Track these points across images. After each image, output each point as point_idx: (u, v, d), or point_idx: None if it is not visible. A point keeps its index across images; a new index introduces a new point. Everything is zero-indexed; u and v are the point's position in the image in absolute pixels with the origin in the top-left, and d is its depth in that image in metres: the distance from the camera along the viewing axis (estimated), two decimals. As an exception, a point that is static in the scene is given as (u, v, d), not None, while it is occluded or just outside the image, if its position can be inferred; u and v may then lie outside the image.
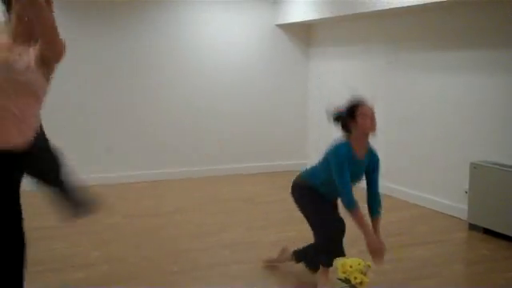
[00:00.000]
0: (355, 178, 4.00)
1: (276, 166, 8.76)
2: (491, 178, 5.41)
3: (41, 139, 3.40)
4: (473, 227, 5.62)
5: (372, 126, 3.84)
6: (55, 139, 7.63)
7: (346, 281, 3.06)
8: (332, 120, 4.12)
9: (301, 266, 4.68)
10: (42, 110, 3.28)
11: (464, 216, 5.82)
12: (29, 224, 5.84)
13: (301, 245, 5.08)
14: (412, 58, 6.76)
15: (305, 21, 8.09)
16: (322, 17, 7.55)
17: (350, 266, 3.06)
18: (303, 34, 8.83)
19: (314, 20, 7.95)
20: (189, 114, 8.26)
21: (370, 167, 4.02)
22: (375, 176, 4.07)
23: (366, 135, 3.90)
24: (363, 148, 3.95)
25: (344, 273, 3.07)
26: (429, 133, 6.54)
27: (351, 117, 3.89)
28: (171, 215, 6.26)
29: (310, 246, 4.30)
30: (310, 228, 4.27)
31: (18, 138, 3.01)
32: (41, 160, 3.49)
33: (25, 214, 6.31)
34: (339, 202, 4.07)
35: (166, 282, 4.34)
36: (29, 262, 4.73)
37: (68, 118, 7.64)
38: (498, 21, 5.62)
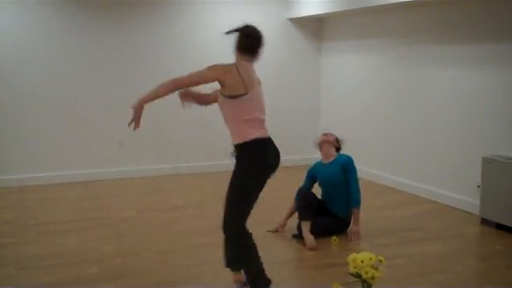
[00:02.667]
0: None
1: (288, 161, 8.73)
2: (504, 172, 5.38)
3: None
4: (485, 222, 5.59)
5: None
6: (65, 133, 7.72)
7: (358, 275, 3.06)
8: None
9: (312, 264, 4.69)
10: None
11: (476, 211, 5.79)
12: (42, 218, 5.94)
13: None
14: (424, 52, 6.73)
15: (316, 15, 8.07)
16: (333, 10, 7.52)
17: (362, 261, 3.05)
18: (315, 28, 8.81)
19: (326, 14, 7.92)
20: (200, 109, 8.24)
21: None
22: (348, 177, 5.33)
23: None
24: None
25: (355, 267, 3.06)
26: (441, 127, 6.51)
27: None
28: (184, 210, 6.28)
29: None
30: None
31: None
32: None
33: (39, 209, 6.41)
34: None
35: (178, 275, 4.36)
36: (42, 255, 4.80)
37: (78, 112, 7.69)
38: (498, 16, 5.57)
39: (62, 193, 7.08)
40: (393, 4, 6.42)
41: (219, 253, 4.86)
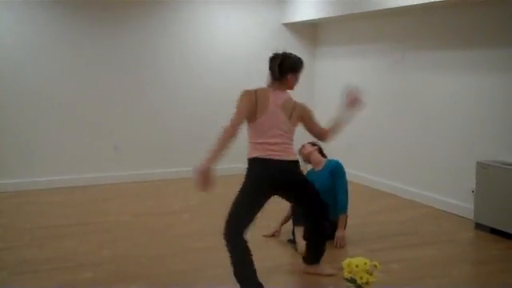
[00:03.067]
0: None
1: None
2: (498, 177, 5.41)
3: None
4: (479, 227, 5.62)
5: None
6: (62, 137, 7.71)
7: (352, 281, 3.07)
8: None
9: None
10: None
11: (471, 216, 5.82)
12: (39, 223, 5.94)
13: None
14: (419, 57, 6.76)
15: (311, 20, 8.09)
16: (328, 16, 7.55)
17: (356, 266, 3.07)
18: (310, 33, 8.84)
19: (321, 19, 7.95)
20: (194, 114, 8.29)
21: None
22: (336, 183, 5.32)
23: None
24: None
25: (350, 272, 3.08)
26: (436, 132, 6.54)
27: None
28: (179, 214, 6.29)
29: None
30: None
31: None
32: None
33: (35, 213, 6.40)
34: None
35: (173, 280, 4.37)
36: (38, 260, 4.80)
37: (76, 116, 7.69)
38: (509, 19, 5.61)
39: (59, 197, 7.08)
40: (387, 9, 6.45)
41: (215, 257, 4.88)
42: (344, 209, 5.20)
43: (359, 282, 3.04)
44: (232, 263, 3.97)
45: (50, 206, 6.68)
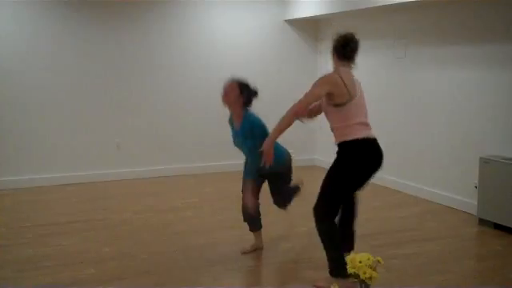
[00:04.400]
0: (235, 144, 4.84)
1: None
2: (501, 172, 5.38)
3: None
4: (483, 222, 5.60)
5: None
6: (63, 135, 7.70)
7: (356, 276, 3.05)
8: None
9: (310, 265, 4.69)
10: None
11: (474, 211, 5.79)
12: (39, 220, 5.93)
13: (311, 239, 5.10)
14: (421, 53, 6.73)
15: (313, 16, 8.06)
16: (330, 12, 7.52)
17: (360, 261, 3.05)
18: (312, 29, 8.81)
19: (323, 15, 7.92)
20: (197, 110, 8.27)
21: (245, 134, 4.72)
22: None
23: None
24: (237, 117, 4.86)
25: (353, 268, 3.06)
26: (439, 127, 6.51)
27: None
28: (180, 211, 6.27)
29: None
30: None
31: None
32: None
33: (35, 211, 6.39)
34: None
35: (174, 277, 4.35)
36: (39, 257, 4.79)
37: (76, 113, 7.68)
38: (509, 15, 5.58)
39: (59, 194, 7.06)
40: (389, 5, 6.42)
41: (217, 254, 4.87)
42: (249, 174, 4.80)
43: (362, 277, 3.01)
44: (328, 248, 4.07)
45: (51, 204, 6.66)
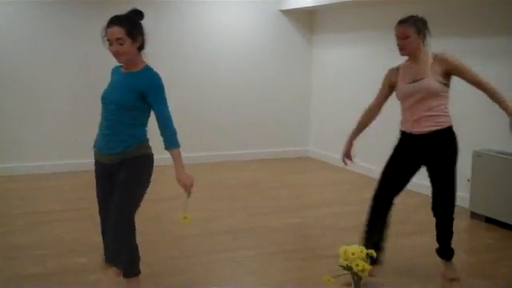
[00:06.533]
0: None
1: (279, 153, 8.75)
2: (494, 166, 5.39)
3: None
4: (475, 216, 5.61)
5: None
6: (55, 122, 7.66)
7: (348, 268, 3.06)
8: None
9: (302, 256, 4.69)
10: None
11: (466, 204, 5.80)
12: (31, 208, 5.90)
13: (304, 231, 5.10)
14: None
15: (308, 6, 8.03)
16: (325, 3, 7.49)
17: (352, 254, 3.05)
18: (307, 19, 8.78)
19: (318, 6, 7.89)
20: (190, 100, 8.24)
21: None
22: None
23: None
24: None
25: (346, 260, 3.07)
26: (432, 121, 6.51)
27: None
28: (173, 201, 6.25)
29: None
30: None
31: None
32: None
33: (28, 199, 6.36)
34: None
35: (166, 267, 4.35)
36: (31, 245, 4.77)
37: (68, 102, 7.64)
38: (502, 9, 5.57)
39: (52, 182, 7.04)
40: (386, -4, 6.41)
41: (209, 244, 4.87)
42: (176, 141, 3.79)
43: (355, 269, 3.02)
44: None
45: (42, 192, 6.64)
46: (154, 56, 8.19)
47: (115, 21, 3.52)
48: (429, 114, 4.05)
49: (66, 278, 4.11)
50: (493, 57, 5.72)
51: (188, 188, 3.71)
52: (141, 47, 3.68)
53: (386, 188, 4.20)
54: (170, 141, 3.69)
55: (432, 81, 3.99)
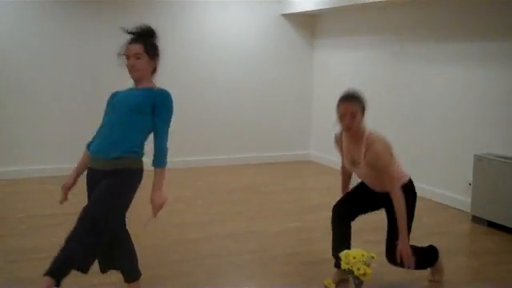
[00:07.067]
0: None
1: (279, 157, 8.76)
2: (495, 170, 5.39)
3: None
4: (476, 220, 5.61)
5: None
6: (56, 126, 7.66)
7: (350, 272, 3.06)
8: None
9: (303, 260, 4.69)
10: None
11: (467, 208, 5.80)
12: (33, 211, 5.90)
13: (304, 235, 5.09)
14: (417, 49, 6.72)
15: (310, 11, 8.04)
16: (327, 7, 7.50)
17: (354, 257, 3.06)
18: (308, 24, 8.79)
19: (320, 10, 7.90)
20: (192, 104, 8.24)
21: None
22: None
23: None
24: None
25: (347, 264, 3.07)
26: (433, 125, 6.51)
27: None
28: (174, 204, 6.25)
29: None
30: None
31: None
32: None
33: (29, 202, 6.35)
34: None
35: (167, 270, 4.35)
36: (32, 248, 4.77)
37: (70, 105, 7.65)
38: (504, 13, 5.58)
39: (52, 186, 6.99)
40: (386, 1, 6.41)
41: (211, 247, 4.87)
42: (164, 161, 3.79)
43: (356, 273, 3.02)
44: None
45: (44, 195, 6.63)
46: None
47: (137, 38, 3.64)
48: (379, 182, 3.94)
49: (68, 282, 4.08)
50: (493, 60, 5.72)
51: (157, 209, 3.64)
52: (154, 70, 3.75)
53: (345, 207, 4.16)
54: (159, 160, 3.70)
55: (368, 168, 3.89)
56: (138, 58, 3.58)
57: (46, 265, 4.32)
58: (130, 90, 3.75)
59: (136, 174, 3.68)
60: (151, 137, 3.74)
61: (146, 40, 3.64)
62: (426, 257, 4.15)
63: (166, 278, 4.21)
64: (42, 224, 5.46)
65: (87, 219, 3.45)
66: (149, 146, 3.69)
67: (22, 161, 7.46)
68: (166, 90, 3.69)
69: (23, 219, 5.60)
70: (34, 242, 4.94)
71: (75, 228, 3.44)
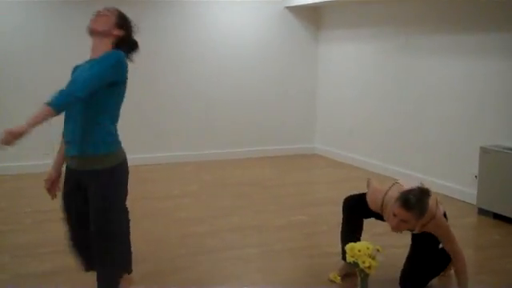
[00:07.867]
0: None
1: (285, 150, 8.74)
2: (501, 162, 5.37)
3: None
4: (482, 212, 5.59)
5: None
6: (61, 122, 7.64)
7: (355, 264, 3.05)
8: None
9: (309, 253, 4.69)
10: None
11: (473, 201, 5.79)
12: (39, 206, 5.91)
13: (309, 228, 5.09)
14: (422, 41, 6.69)
15: (314, 3, 8.01)
16: (331, -1, 7.49)
17: (359, 250, 3.05)
18: (313, 16, 8.76)
19: (324, 2, 7.87)
20: (197, 98, 8.24)
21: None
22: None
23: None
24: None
25: (352, 257, 3.06)
26: (439, 117, 6.49)
27: None
28: (180, 198, 6.26)
29: None
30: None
31: None
32: None
33: (35, 197, 6.36)
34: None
35: (173, 264, 4.35)
36: (39, 243, 4.78)
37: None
38: (510, 4, 5.54)
39: (59, 181, 7.03)
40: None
41: (216, 241, 4.86)
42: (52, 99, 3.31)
43: (362, 266, 3.01)
44: None
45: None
46: (159, 55, 8.29)
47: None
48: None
49: (73, 276, 4.11)
50: (500, 52, 5.69)
51: (7, 135, 2.97)
52: (118, 43, 3.53)
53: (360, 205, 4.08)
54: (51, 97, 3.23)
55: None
56: (106, 15, 3.46)
57: (52, 260, 4.35)
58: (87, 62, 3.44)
59: (121, 168, 3.76)
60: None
61: (117, 11, 3.57)
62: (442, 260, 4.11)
63: (171, 272, 4.22)
64: (48, 219, 5.46)
65: (101, 239, 3.49)
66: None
67: (29, 156, 7.47)
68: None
69: (29, 214, 5.62)
70: (40, 237, 4.95)
71: (99, 256, 3.51)
